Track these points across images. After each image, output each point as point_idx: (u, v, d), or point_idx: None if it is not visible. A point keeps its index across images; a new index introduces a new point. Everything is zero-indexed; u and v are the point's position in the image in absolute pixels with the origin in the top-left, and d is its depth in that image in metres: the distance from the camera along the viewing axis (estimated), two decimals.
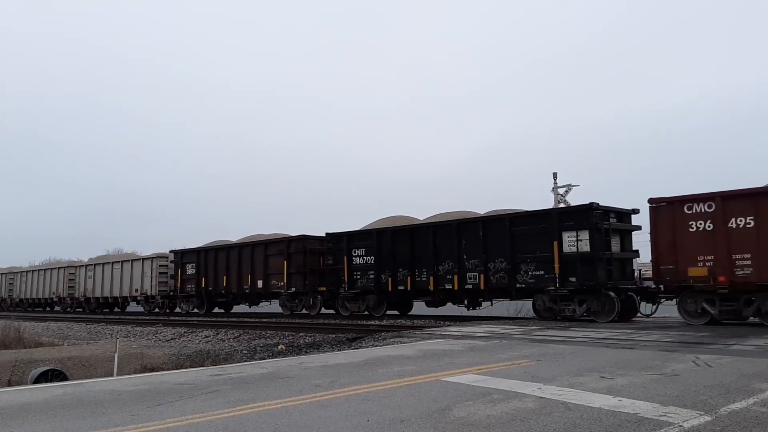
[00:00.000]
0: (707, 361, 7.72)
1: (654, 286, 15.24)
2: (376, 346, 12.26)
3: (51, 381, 9.99)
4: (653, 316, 15.82)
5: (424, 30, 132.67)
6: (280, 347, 14.80)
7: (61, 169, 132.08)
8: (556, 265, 15.98)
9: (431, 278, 18.86)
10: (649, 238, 14.72)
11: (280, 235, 25.64)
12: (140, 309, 31.90)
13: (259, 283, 24.34)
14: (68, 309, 35.67)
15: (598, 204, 15.55)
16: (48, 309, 37.30)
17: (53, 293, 37.23)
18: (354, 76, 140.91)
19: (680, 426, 4.42)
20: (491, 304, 19.15)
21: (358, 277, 21.06)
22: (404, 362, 8.47)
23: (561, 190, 26.58)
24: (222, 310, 28.00)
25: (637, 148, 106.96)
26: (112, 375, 11.13)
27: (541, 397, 5.53)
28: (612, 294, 15.23)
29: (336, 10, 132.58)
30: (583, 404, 5.17)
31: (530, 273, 16.68)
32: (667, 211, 14.26)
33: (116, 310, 34.60)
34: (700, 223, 13.66)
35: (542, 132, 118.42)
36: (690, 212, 13.87)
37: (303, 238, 23.25)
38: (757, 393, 5.58)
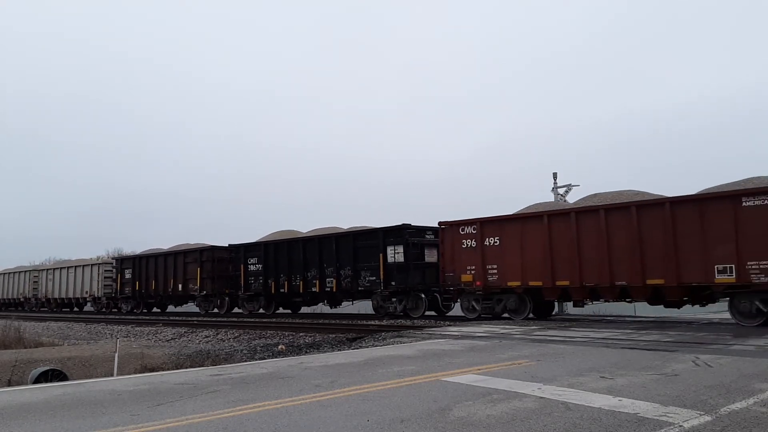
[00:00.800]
0: (707, 361, 7.72)
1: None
2: (376, 346, 12.26)
3: (51, 381, 9.99)
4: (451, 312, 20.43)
5: (424, 30, 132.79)
6: (280, 347, 14.80)
7: (61, 169, 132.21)
8: (381, 272, 20.15)
9: (301, 283, 23.07)
10: None
11: (201, 245, 30.66)
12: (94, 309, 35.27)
13: (180, 287, 28.44)
14: (33, 308, 39.11)
15: (410, 224, 19.92)
16: (19, 309, 40.20)
17: (21, 294, 40.80)
18: (354, 76, 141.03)
19: (680, 426, 4.42)
20: (352, 303, 23.38)
21: (252, 281, 25.08)
22: (404, 362, 8.47)
23: (561, 190, 26.60)
24: (158, 309, 31.98)
25: (637, 148, 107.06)
26: (112, 375, 11.14)
27: (541, 397, 5.53)
28: (422, 295, 19.61)
29: (336, 10, 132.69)
30: (583, 404, 5.17)
31: (367, 278, 20.85)
32: (448, 231, 18.20)
33: (75, 309, 37.60)
34: (468, 242, 17.77)
35: (542, 132, 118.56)
36: (463, 233, 17.91)
37: (213, 248, 27.70)
38: (757, 393, 5.57)
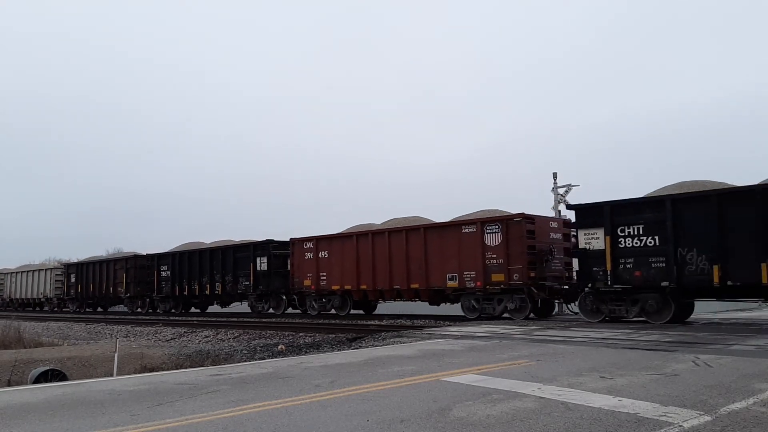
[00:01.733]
0: (707, 361, 7.72)
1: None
2: (376, 346, 12.26)
3: (51, 381, 9.98)
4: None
5: (424, 30, 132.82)
6: (280, 347, 14.80)
7: (61, 169, 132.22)
8: (252, 278, 25.56)
9: (197, 287, 28.32)
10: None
11: (128, 253, 38.69)
12: (68, 308, 38.83)
13: (111, 290, 33.47)
14: None
15: (273, 240, 25.46)
16: None
17: None
18: (354, 76, 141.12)
19: (680, 426, 4.42)
20: (241, 304, 28.21)
21: (163, 285, 30.16)
22: (404, 362, 8.47)
23: (561, 190, 26.56)
24: (101, 309, 36.41)
25: (638, 148, 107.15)
26: (111, 375, 11.13)
27: (541, 397, 5.53)
28: (283, 296, 24.96)
29: (336, 10, 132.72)
30: (583, 404, 5.17)
31: (243, 283, 26.08)
32: (297, 245, 23.65)
33: (37, 309, 41.59)
34: (308, 254, 23.13)
35: (542, 132, 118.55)
36: (305, 247, 23.21)
37: (136, 257, 33.22)
38: (757, 393, 5.57)
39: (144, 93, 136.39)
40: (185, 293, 29.00)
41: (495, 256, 17.66)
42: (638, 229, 14.41)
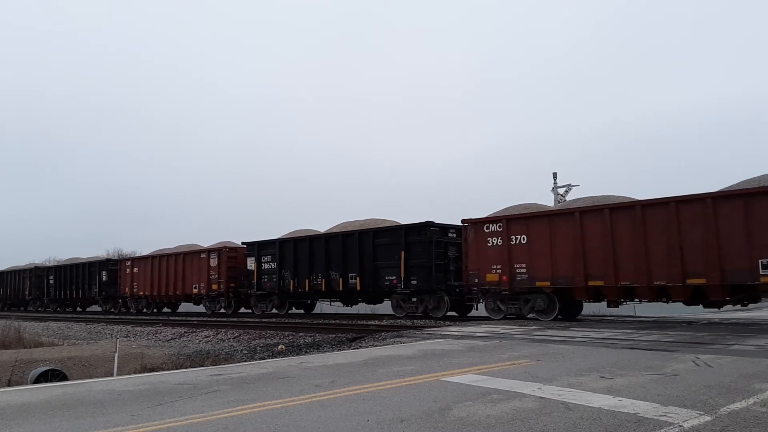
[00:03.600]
0: (707, 361, 7.72)
1: None
2: (376, 346, 12.26)
3: (51, 381, 9.99)
4: None
5: (424, 32, 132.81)
6: (280, 347, 14.80)
7: (61, 170, 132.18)
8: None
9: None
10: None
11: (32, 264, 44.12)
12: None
13: (19, 293, 41.43)
14: None
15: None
16: None
17: None
18: (354, 76, 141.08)
19: (680, 426, 4.42)
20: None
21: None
22: (404, 362, 8.47)
23: (561, 190, 26.61)
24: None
25: (637, 149, 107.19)
26: (112, 375, 11.13)
27: (541, 397, 5.53)
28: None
29: (335, 10, 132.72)
30: (583, 404, 5.17)
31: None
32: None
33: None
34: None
35: (543, 133, 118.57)
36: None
37: (36, 268, 41.06)
38: (757, 393, 5.57)
39: (144, 93, 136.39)
40: (67, 298, 36.65)
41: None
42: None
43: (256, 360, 12.02)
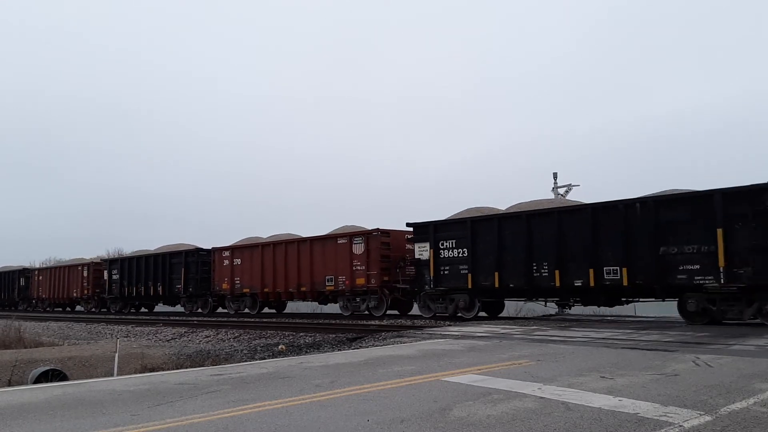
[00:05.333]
0: (707, 361, 7.72)
1: None
2: (377, 346, 12.26)
3: (51, 381, 10.00)
4: None
5: (424, 32, 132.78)
6: (280, 347, 14.80)
7: (62, 170, 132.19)
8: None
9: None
10: None
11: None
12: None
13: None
14: None
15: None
16: None
17: None
18: (354, 77, 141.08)
19: (680, 426, 4.42)
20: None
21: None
22: (404, 362, 8.47)
23: (561, 190, 26.59)
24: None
25: (636, 151, 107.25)
26: (112, 375, 11.14)
27: (542, 397, 5.53)
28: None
29: (336, 11, 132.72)
30: (583, 404, 5.17)
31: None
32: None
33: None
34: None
35: (543, 134, 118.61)
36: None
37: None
38: (757, 393, 5.57)
39: (144, 93, 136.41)
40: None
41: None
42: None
43: (256, 360, 12.02)
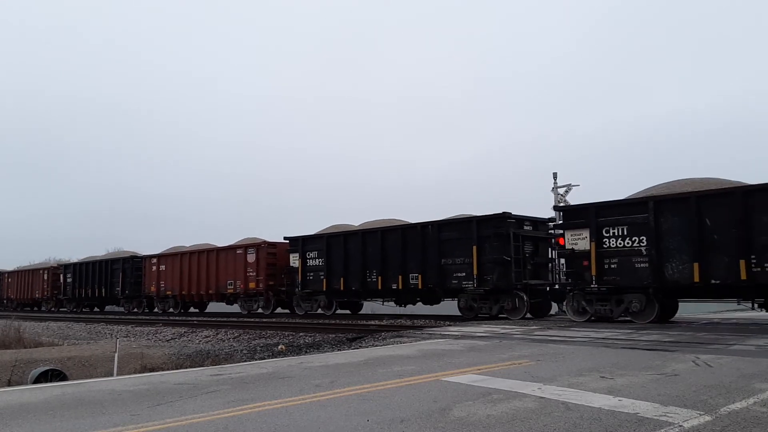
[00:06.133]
0: (707, 361, 7.72)
1: None
2: (376, 346, 12.26)
3: (51, 381, 9.98)
4: None
5: (425, 33, 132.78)
6: (280, 347, 14.80)
7: (61, 170, 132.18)
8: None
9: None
10: None
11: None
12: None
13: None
14: None
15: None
16: None
17: None
18: (353, 77, 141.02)
19: (680, 426, 4.42)
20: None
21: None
22: (404, 362, 8.47)
23: (561, 190, 26.57)
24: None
25: (636, 151, 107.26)
26: (112, 375, 11.13)
27: (541, 397, 5.53)
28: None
29: (336, 12, 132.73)
30: (583, 404, 5.17)
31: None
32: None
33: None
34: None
35: (543, 134, 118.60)
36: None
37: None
38: (757, 393, 5.57)
39: (144, 93, 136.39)
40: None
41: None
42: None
43: (256, 360, 12.01)
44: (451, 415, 4.90)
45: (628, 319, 14.79)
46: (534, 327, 14.19)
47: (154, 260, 30.88)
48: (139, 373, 10.82)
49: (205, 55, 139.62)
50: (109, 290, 33.94)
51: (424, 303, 21.39)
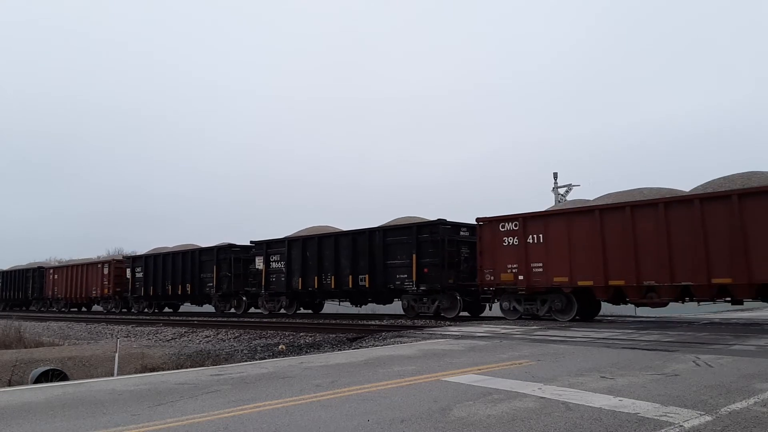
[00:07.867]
0: (707, 361, 7.72)
1: None
2: (377, 346, 12.26)
3: (51, 381, 9.98)
4: None
5: (425, 32, 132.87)
6: (280, 347, 14.80)
7: (61, 170, 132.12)
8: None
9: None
10: None
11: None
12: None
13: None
14: None
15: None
16: None
17: None
18: (358, 79, 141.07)
19: (681, 426, 4.42)
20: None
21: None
22: (405, 362, 8.47)
23: (561, 190, 26.60)
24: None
25: (636, 150, 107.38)
26: (112, 375, 11.13)
27: (542, 397, 5.53)
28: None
29: (340, 13, 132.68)
30: (583, 404, 5.17)
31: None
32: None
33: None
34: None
35: (544, 136, 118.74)
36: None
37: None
38: (757, 393, 5.57)
39: (145, 94, 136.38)
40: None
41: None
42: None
43: (256, 360, 12.02)
44: (452, 415, 4.91)
45: (283, 311, 23.00)
46: (534, 327, 14.19)
47: (51, 270, 39.27)
48: (140, 373, 10.82)
49: (207, 57, 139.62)
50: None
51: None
